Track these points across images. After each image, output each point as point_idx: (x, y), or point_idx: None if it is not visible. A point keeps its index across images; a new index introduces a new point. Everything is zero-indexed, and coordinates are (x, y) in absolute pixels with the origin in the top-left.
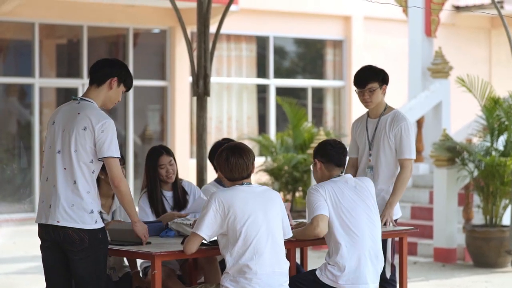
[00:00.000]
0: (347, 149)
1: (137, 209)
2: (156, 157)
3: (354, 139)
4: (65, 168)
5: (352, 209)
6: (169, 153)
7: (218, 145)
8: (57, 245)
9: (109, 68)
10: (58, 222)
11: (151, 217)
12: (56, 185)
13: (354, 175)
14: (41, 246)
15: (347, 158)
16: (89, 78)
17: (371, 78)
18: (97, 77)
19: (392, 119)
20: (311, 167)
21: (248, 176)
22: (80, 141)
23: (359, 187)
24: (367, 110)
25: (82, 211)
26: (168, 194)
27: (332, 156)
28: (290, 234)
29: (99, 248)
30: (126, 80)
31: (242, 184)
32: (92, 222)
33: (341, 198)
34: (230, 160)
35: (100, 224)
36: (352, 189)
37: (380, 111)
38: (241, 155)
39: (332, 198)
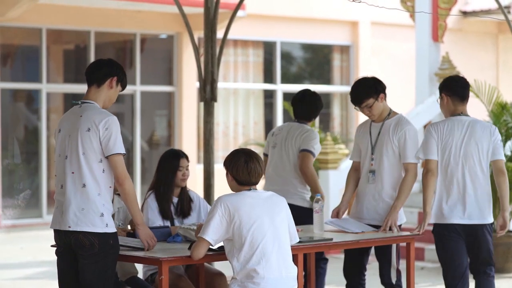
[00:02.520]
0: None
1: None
2: (177, 158)
3: (357, 143)
4: (72, 172)
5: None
6: (187, 158)
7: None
8: (70, 249)
9: (108, 68)
10: (69, 227)
11: (158, 217)
12: (66, 190)
13: (358, 179)
14: (56, 251)
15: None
16: (88, 80)
17: (364, 96)
18: (96, 77)
19: (396, 124)
20: (438, 100)
21: (256, 184)
22: (87, 143)
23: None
24: None
25: (92, 214)
26: (174, 200)
27: (456, 89)
28: (297, 239)
29: (108, 254)
30: (123, 80)
31: (249, 189)
32: (103, 225)
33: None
34: (250, 165)
35: (111, 229)
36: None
37: (384, 115)
38: (258, 160)
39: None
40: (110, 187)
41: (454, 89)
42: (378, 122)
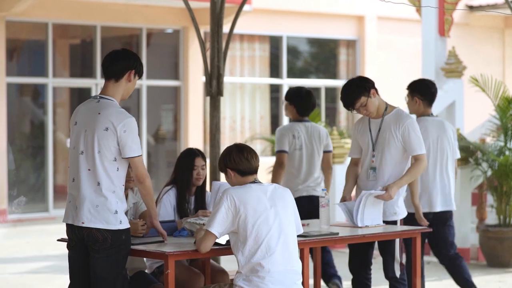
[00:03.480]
0: None
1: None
2: (192, 157)
3: (356, 139)
4: (89, 169)
5: None
6: (204, 157)
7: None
8: (83, 244)
9: (125, 61)
10: (83, 223)
11: (171, 214)
12: (80, 186)
13: (356, 175)
14: (67, 245)
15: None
16: (105, 74)
17: (355, 97)
18: (114, 71)
19: (396, 118)
20: (406, 98)
21: (257, 170)
22: (103, 142)
23: None
24: None
25: (107, 212)
26: (191, 199)
27: (428, 95)
28: (300, 231)
29: (120, 249)
30: (140, 70)
31: (254, 181)
32: (116, 222)
33: None
34: (243, 152)
35: (125, 225)
36: None
37: (382, 111)
38: (247, 148)
39: None
40: (123, 185)
41: (426, 95)
42: (377, 118)
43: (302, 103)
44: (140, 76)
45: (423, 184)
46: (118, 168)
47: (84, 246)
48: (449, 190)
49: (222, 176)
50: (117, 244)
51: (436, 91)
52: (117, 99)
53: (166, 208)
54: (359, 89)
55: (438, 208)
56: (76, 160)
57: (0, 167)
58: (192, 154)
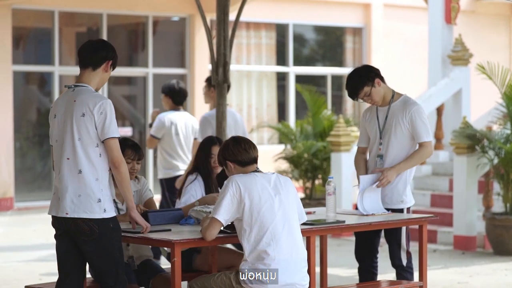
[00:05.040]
0: None
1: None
2: (209, 145)
3: (364, 128)
4: (68, 158)
5: None
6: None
7: None
8: (70, 235)
9: (104, 51)
10: (66, 214)
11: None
12: (62, 176)
13: (365, 164)
14: (55, 235)
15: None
16: (82, 63)
17: (359, 87)
18: (93, 60)
19: (403, 105)
20: None
21: (257, 159)
22: (82, 128)
23: None
24: None
25: (90, 201)
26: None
27: None
28: (304, 218)
29: (111, 238)
30: (115, 62)
31: (256, 170)
32: (100, 211)
33: None
34: (240, 143)
35: (110, 213)
36: None
37: (388, 99)
38: (244, 139)
39: None
40: (107, 171)
41: None
42: (384, 106)
43: (176, 94)
44: (114, 68)
45: None
46: (100, 154)
47: (72, 236)
48: None
49: None
50: (106, 233)
51: None
52: (92, 86)
53: (194, 197)
54: (362, 79)
55: None
56: (59, 151)
57: (7, 156)
58: (209, 142)
